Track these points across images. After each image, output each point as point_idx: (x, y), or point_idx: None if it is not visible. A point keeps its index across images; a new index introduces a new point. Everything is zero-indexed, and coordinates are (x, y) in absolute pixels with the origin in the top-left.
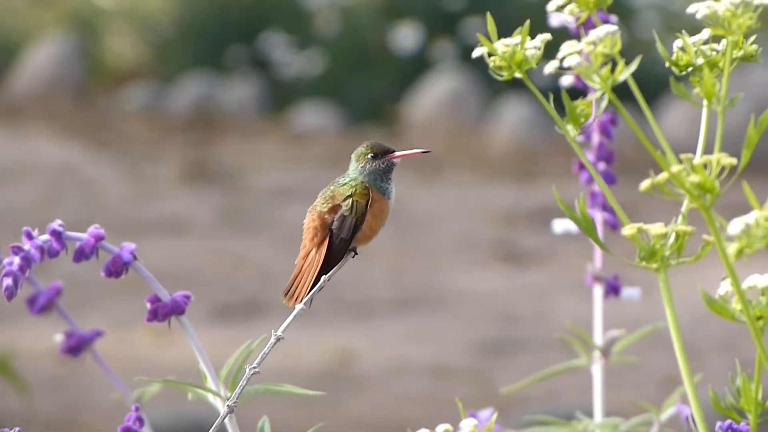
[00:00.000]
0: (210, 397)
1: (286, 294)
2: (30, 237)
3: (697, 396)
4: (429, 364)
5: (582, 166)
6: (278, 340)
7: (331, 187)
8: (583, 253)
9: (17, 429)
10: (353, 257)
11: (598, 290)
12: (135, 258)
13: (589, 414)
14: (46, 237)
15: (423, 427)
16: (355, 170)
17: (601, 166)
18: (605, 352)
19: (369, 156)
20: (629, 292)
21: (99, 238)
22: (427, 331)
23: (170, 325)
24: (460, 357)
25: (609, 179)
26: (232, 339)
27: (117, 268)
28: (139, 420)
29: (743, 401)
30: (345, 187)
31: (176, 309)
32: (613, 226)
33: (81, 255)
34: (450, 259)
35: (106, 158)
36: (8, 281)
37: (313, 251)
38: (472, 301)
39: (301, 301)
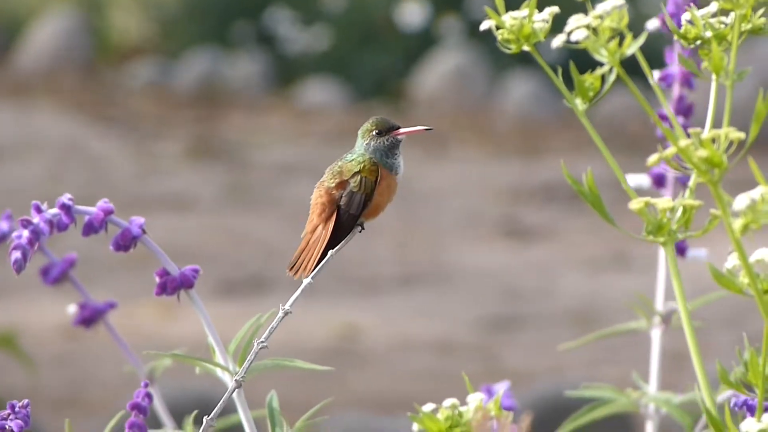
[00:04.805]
0: (218, 371)
1: (292, 267)
2: (39, 210)
3: (705, 370)
4: (434, 339)
5: (659, 119)
6: (286, 314)
7: (339, 163)
8: (588, 228)
9: (26, 401)
10: (360, 232)
11: (662, 252)
12: (144, 232)
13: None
14: (55, 211)
15: (429, 403)
16: (360, 147)
17: (680, 120)
18: (665, 318)
19: (374, 133)
20: (695, 252)
21: (108, 212)
22: (432, 307)
23: (179, 299)
24: (465, 333)
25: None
26: (236, 315)
27: (126, 241)
28: (148, 396)
29: (751, 375)
30: (353, 163)
31: (185, 283)
32: (685, 183)
33: (90, 229)
34: (455, 236)
35: (111, 134)
36: (17, 254)
37: (321, 226)
38: (477, 277)
39: (308, 274)
